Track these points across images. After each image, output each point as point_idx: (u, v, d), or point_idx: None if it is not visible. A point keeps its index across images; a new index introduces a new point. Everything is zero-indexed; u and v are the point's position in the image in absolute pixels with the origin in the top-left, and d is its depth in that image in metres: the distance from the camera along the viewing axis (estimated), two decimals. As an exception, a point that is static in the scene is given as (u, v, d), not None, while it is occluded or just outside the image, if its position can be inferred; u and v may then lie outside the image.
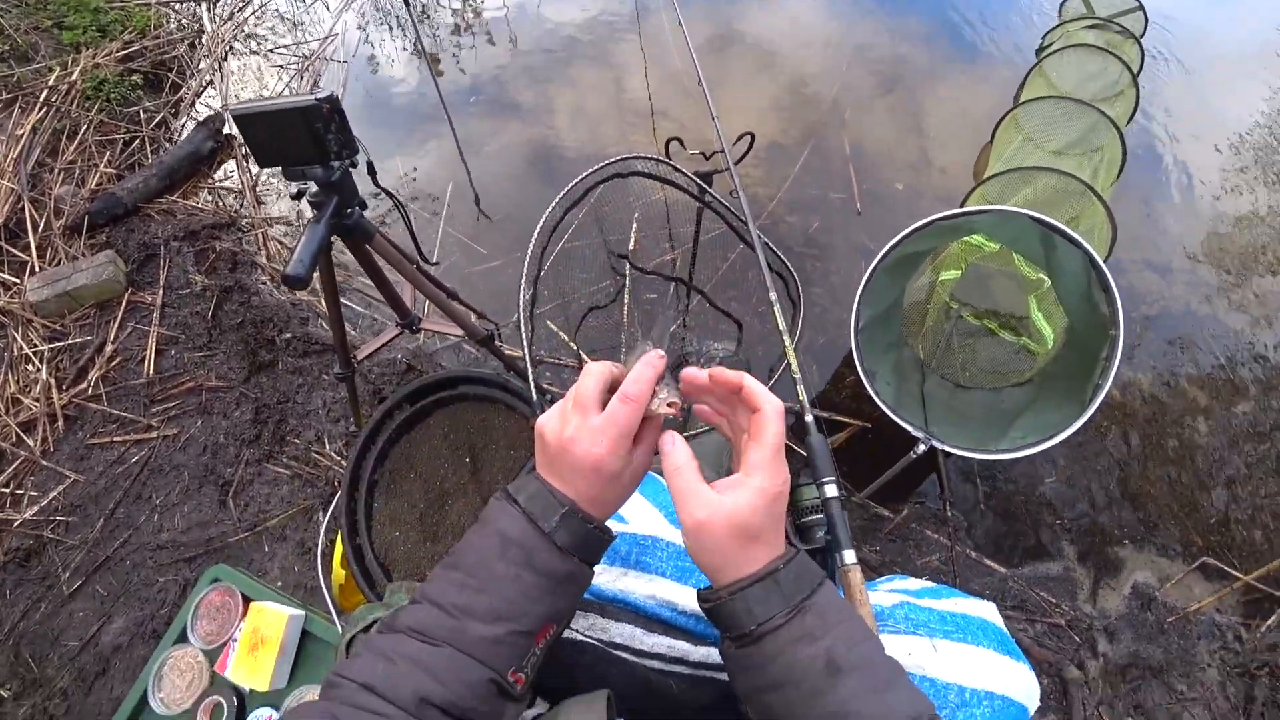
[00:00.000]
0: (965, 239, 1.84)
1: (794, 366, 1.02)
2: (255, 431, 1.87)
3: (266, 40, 3.22)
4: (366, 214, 1.01)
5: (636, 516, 0.87)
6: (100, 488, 1.82)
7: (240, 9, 3.35)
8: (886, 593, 0.81)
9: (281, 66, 3.06)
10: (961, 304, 2.02)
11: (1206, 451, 1.91)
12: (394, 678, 0.46)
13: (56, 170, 2.45)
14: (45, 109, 2.57)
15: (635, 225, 2.12)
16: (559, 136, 2.68)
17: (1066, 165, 1.97)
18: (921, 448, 1.37)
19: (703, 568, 0.51)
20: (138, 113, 2.72)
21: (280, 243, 2.39)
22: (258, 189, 2.55)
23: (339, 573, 1.26)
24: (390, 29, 3.29)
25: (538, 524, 0.51)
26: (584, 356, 1.88)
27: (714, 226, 2.01)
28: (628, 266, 1.92)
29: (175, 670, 1.06)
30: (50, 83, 2.65)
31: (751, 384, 0.52)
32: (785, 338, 1.04)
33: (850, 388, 1.95)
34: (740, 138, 1.45)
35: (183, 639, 1.09)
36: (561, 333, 2.02)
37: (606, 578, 0.77)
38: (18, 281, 2.16)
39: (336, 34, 3.20)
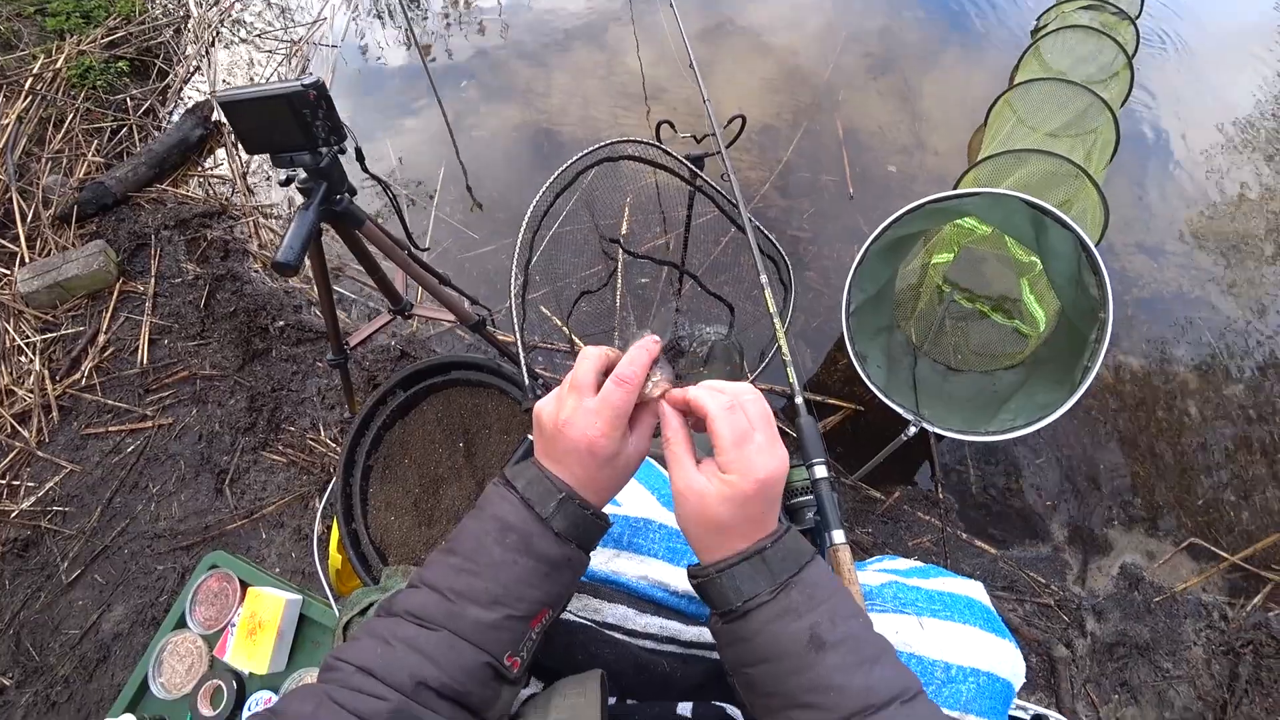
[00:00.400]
0: (957, 222, 1.84)
1: (785, 350, 1.02)
2: (250, 419, 1.88)
3: (254, 25, 3.18)
4: (358, 201, 1.01)
5: (630, 499, 0.87)
6: (96, 478, 1.82)
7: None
8: (876, 572, 0.82)
9: (270, 52, 3.02)
10: (954, 287, 2.03)
11: (1196, 433, 1.93)
12: (391, 661, 0.47)
13: (44, 160, 2.42)
14: (30, 97, 2.54)
15: (627, 209, 2.12)
16: (551, 120, 2.67)
17: (1060, 147, 1.97)
18: (912, 430, 1.38)
19: (690, 541, 0.52)
20: (125, 100, 2.69)
21: (272, 230, 2.37)
22: (248, 177, 2.53)
23: (335, 557, 1.27)
24: (379, 13, 3.25)
25: (535, 510, 0.51)
26: (576, 341, 1.88)
27: (706, 210, 2.00)
28: (620, 251, 1.91)
29: (175, 655, 1.08)
30: (34, 70, 2.61)
31: (694, 394, 0.52)
32: (776, 321, 1.04)
33: (842, 371, 1.96)
34: (731, 120, 1.45)
35: (182, 624, 1.11)
36: (554, 317, 2.02)
37: (600, 559, 0.78)
38: (7, 273, 2.15)
39: (325, 18, 3.16)
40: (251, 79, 2.93)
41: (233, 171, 2.53)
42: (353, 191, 0.94)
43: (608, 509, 0.84)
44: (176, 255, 2.21)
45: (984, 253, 2.04)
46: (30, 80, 2.58)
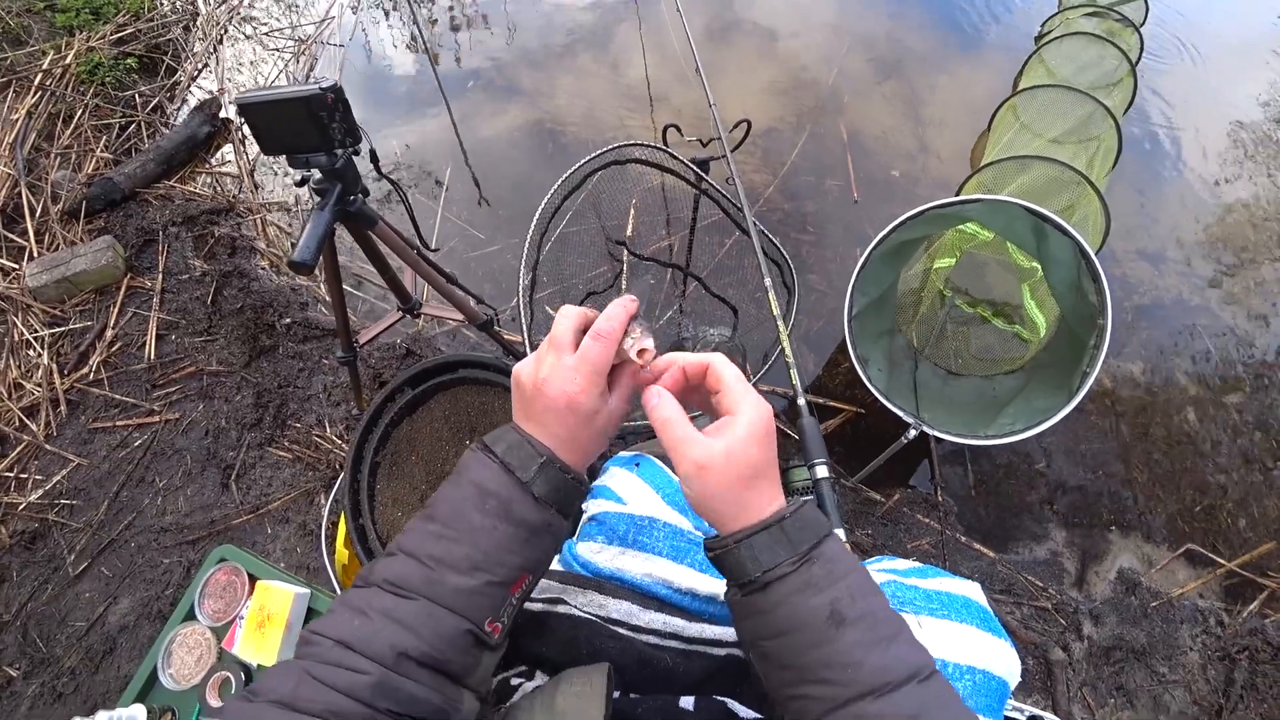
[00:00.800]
0: (959, 227, 1.85)
1: (788, 352, 1.04)
2: (256, 416, 1.89)
3: (262, 23, 3.19)
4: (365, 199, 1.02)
5: (635, 498, 0.89)
6: (104, 471, 1.84)
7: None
8: (875, 572, 0.83)
9: (277, 50, 3.04)
10: (956, 291, 2.04)
11: (1194, 440, 1.94)
12: (369, 632, 0.46)
13: (53, 155, 2.44)
14: (40, 93, 2.56)
15: (633, 211, 2.13)
16: (557, 121, 2.68)
17: (1063, 154, 1.98)
18: (912, 433, 1.39)
19: (708, 515, 0.52)
20: (133, 97, 2.71)
21: (279, 228, 2.39)
22: (255, 174, 2.55)
23: (342, 552, 1.28)
24: (387, 13, 3.27)
25: (515, 474, 0.51)
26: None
27: (711, 213, 2.02)
28: (625, 252, 1.93)
29: (184, 647, 1.09)
30: (44, 66, 2.63)
31: (686, 357, 0.55)
32: (780, 324, 1.06)
33: (844, 374, 1.98)
34: (737, 125, 1.46)
35: (190, 617, 1.12)
36: (560, 319, 2.03)
37: (605, 556, 0.79)
38: (16, 267, 2.17)
39: (333, 17, 3.17)
40: (256, 77, 2.95)
41: (240, 168, 2.54)
42: (366, 193, 0.95)
43: (613, 508, 0.86)
44: (184, 251, 2.22)
45: (986, 258, 2.06)
46: (40, 76, 2.60)
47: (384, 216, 1.09)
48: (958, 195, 1.84)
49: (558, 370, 0.52)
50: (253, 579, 1.12)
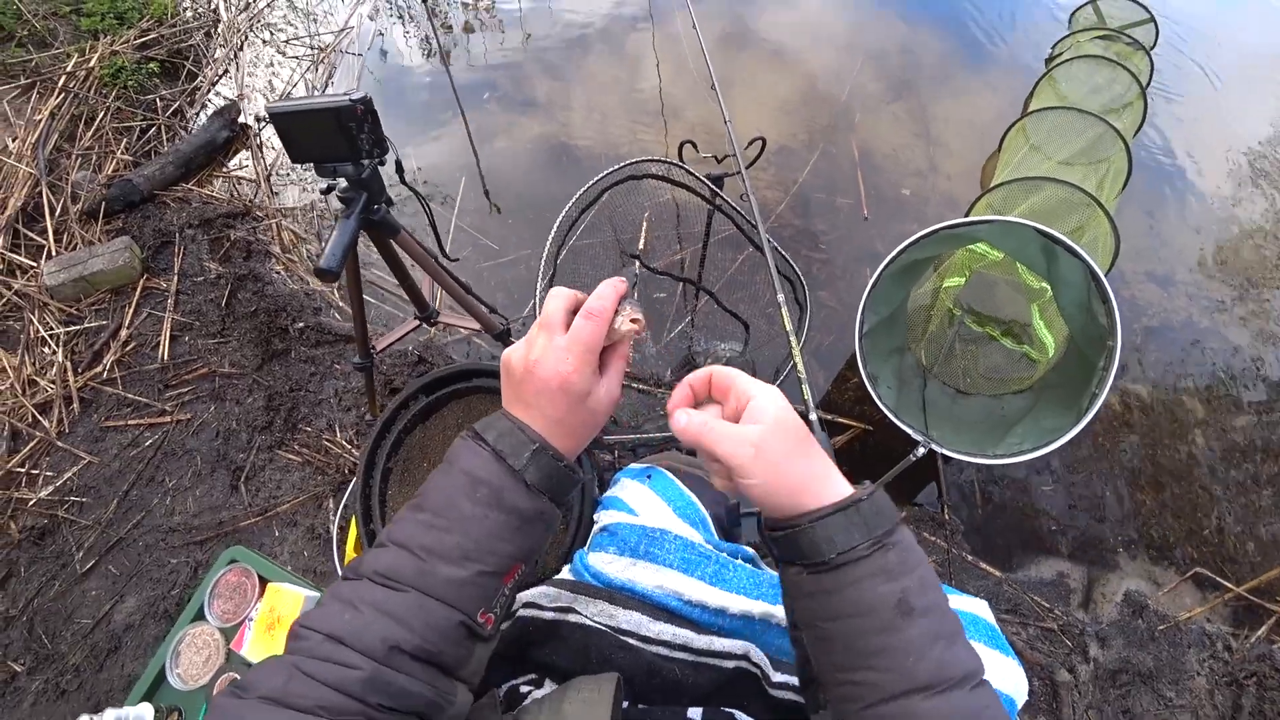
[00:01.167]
0: (969, 247, 1.87)
1: (799, 368, 1.05)
2: (267, 418, 1.91)
3: (282, 31, 3.24)
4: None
5: (646, 510, 0.90)
6: (114, 470, 1.85)
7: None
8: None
9: (297, 58, 3.08)
10: (965, 310, 2.05)
11: (1203, 463, 1.94)
12: (361, 626, 0.45)
13: (74, 156, 2.48)
14: (63, 95, 2.60)
15: (646, 225, 2.15)
16: (572, 134, 2.71)
17: (1073, 175, 2.00)
18: (920, 451, 1.40)
19: (776, 499, 0.49)
20: (154, 100, 2.75)
21: (294, 232, 2.42)
22: (272, 179, 2.58)
23: (353, 556, 1.29)
24: (404, 24, 3.32)
25: (508, 462, 0.50)
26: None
27: (723, 228, 2.04)
28: (638, 265, 1.95)
29: (192, 647, 1.10)
30: (68, 69, 2.67)
31: (690, 377, 0.55)
32: (791, 339, 1.07)
33: (853, 390, 1.98)
34: (751, 142, 1.48)
35: (200, 617, 1.13)
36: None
37: (616, 567, 0.80)
38: (34, 265, 2.19)
39: (351, 27, 3.22)
40: (274, 84, 2.99)
41: (257, 173, 2.58)
42: (390, 202, 0.97)
43: (625, 519, 0.87)
44: (200, 254, 2.25)
45: (995, 278, 2.07)
46: (64, 78, 2.64)
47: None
48: (968, 215, 1.86)
49: (549, 351, 0.51)
50: (263, 581, 1.13)
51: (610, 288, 0.54)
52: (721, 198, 1.43)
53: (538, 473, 0.51)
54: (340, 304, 2.20)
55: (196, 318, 2.12)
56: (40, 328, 2.07)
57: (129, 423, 1.93)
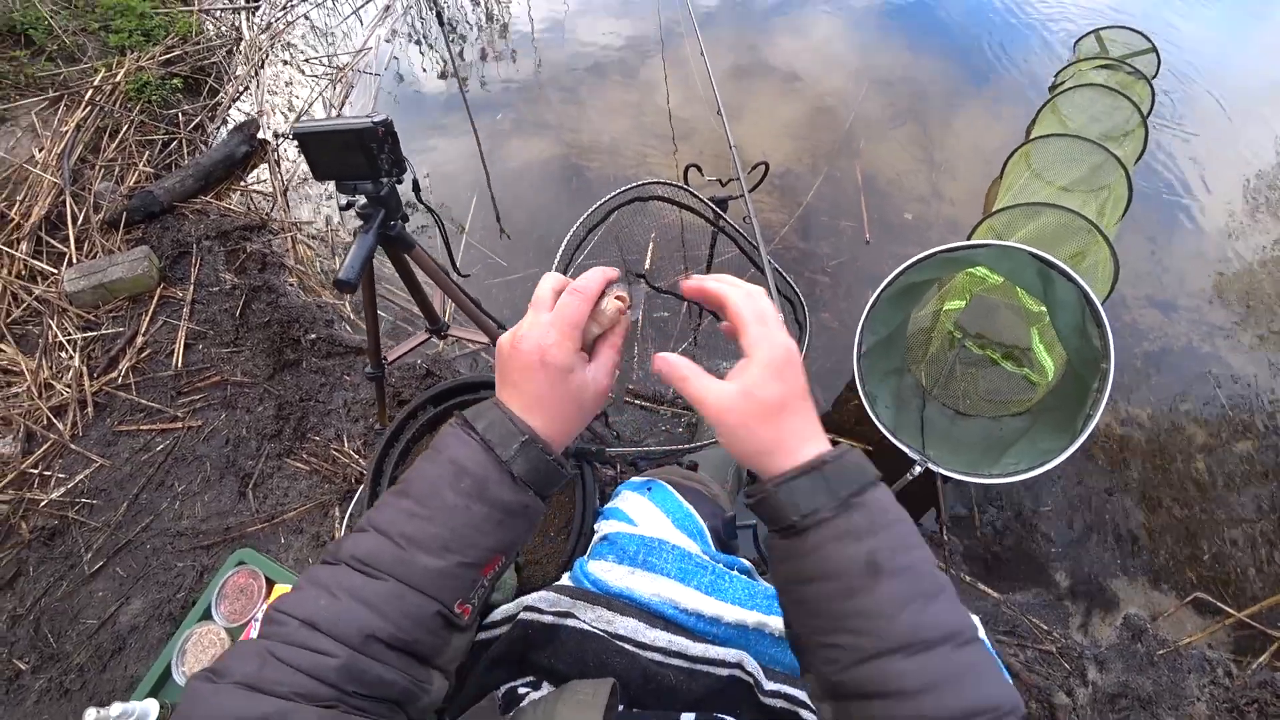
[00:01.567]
0: (969, 270, 1.90)
1: (798, 385, 1.07)
2: (277, 427, 1.94)
3: (302, 51, 3.34)
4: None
5: (645, 520, 0.92)
6: (125, 473, 1.88)
7: (278, 19, 3.48)
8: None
9: (315, 77, 3.17)
10: (966, 334, 2.07)
11: (1204, 488, 1.94)
12: (337, 614, 0.45)
13: (97, 167, 2.55)
14: (89, 108, 2.68)
15: (652, 245, 2.19)
16: (581, 154, 2.77)
17: (1073, 201, 2.03)
18: (917, 469, 1.42)
19: (746, 461, 0.51)
20: (176, 115, 2.83)
21: (308, 246, 2.47)
22: (288, 194, 2.64)
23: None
24: (421, 46, 3.41)
25: (496, 452, 0.50)
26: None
27: (727, 249, 2.07)
28: (644, 284, 1.99)
29: (199, 646, 1.12)
30: (95, 83, 2.76)
31: (716, 288, 0.55)
32: (791, 358, 1.09)
33: (853, 412, 2.00)
34: (755, 167, 1.52)
35: (206, 617, 1.15)
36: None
37: (615, 575, 0.82)
38: (55, 272, 2.25)
39: (369, 48, 3.31)
40: (293, 101, 3.08)
41: (274, 188, 2.64)
42: (405, 218, 1.01)
43: (624, 529, 0.89)
44: (216, 265, 2.30)
45: (996, 301, 2.09)
46: (90, 92, 2.73)
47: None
48: (969, 239, 1.89)
49: (534, 327, 0.52)
50: (270, 583, 1.16)
51: (599, 272, 0.55)
52: (725, 220, 1.47)
53: (525, 465, 0.51)
54: (351, 317, 2.25)
55: (211, 327, 2.16)
56: (59, 333, 2.12)
57: (141, 428, 1.96)
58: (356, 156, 0.86)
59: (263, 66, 3.22)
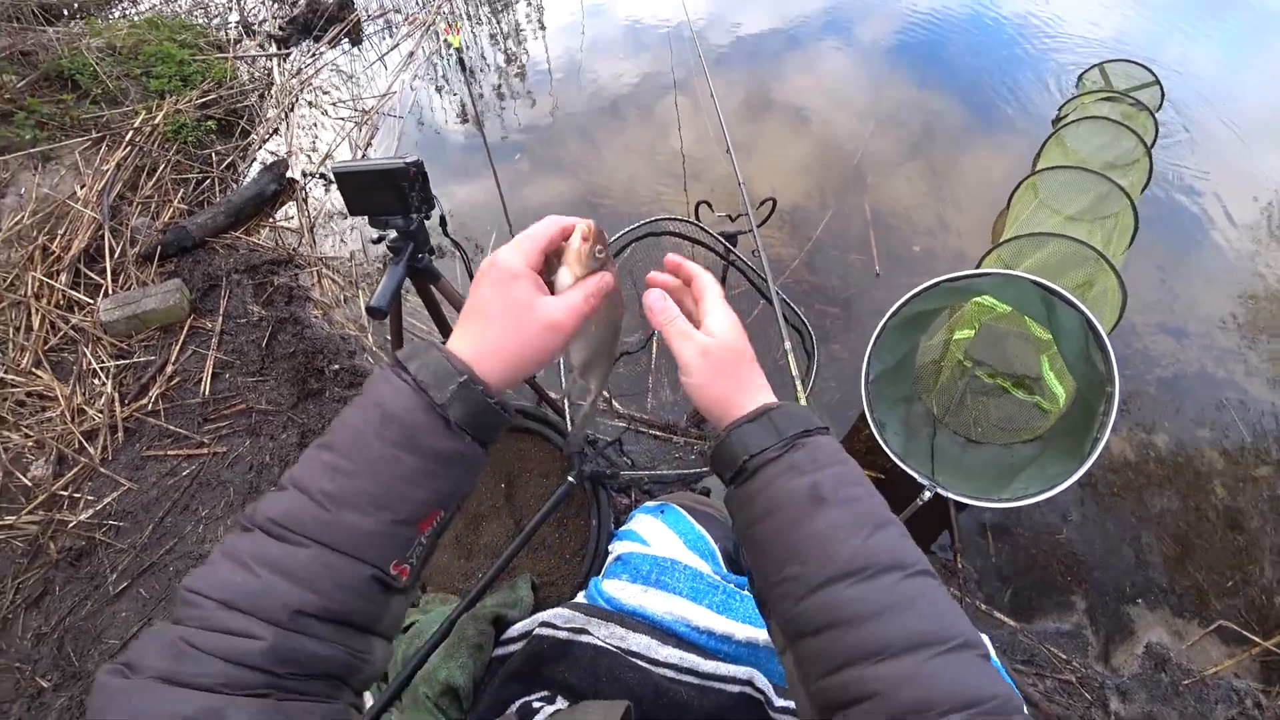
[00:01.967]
0: (977, 300, 1.92)
1: (807, 410, 1.10)
2: (299, 455, 1.98)
3: (329, 94, 3.50)
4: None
5: (658, 541, 0.94)
6: (152, 497, 1.93)
7: (308, 65, 3.66)
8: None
9: (342, 119, 3.31)
10: (976, 363, 2.09)
11: (1223, 514, 1.92)
12: (258, 591, 0.40)
13: (135, 203, 2.67)
14: (129, 148, 2.82)
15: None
16: (596, 192, 2.85)
17: (1080, 230, 2.06)
18: (926, 494, 1.43)
19: (711, 404, 0.55)
20: (210, 155, 2.96)
21: (333, 280, 2.56)
22: (315, 230, 2.75)
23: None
24: (442, 90, 3.55)
25: (429, 394, 0.45)
26: (615, 402, 1.97)
27: (738, 283, 2.12)
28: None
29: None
30: (136, 124, 2.91)
31: (690, 265, 0.61)
32: (798, 384, 1.13)
33: (865, 441, 2.00)
34: (763, 203, 1.58)
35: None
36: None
37: (629, 593, 0.84)
38: (91, 302, 2.35)
39: (394, 92, 3.46)
40: (317, 142, 3.21)
41: (301, 225, 2.75)
42: (433, 251, 1.08)
43: (637, 549, 0.91)
44: (244, 297, 2.39)
45: (1005, 330, 2.11)
46: (131, 133, 2.87)
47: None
48: (977, 269, 1.92)
49: (503, 248, 0.53)
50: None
51: (584, 220, 0.57)
52: (735, 254, 1.52)
53: (462, 408, 0.46)
54: (373, 348, 2.32)
55: (238, 356, 2.24)
56: (93, 360, 2.20)
57: (168, 453, 2.02)
58: (388, 194, 0.92)
59: (292, 109, 3.37)
